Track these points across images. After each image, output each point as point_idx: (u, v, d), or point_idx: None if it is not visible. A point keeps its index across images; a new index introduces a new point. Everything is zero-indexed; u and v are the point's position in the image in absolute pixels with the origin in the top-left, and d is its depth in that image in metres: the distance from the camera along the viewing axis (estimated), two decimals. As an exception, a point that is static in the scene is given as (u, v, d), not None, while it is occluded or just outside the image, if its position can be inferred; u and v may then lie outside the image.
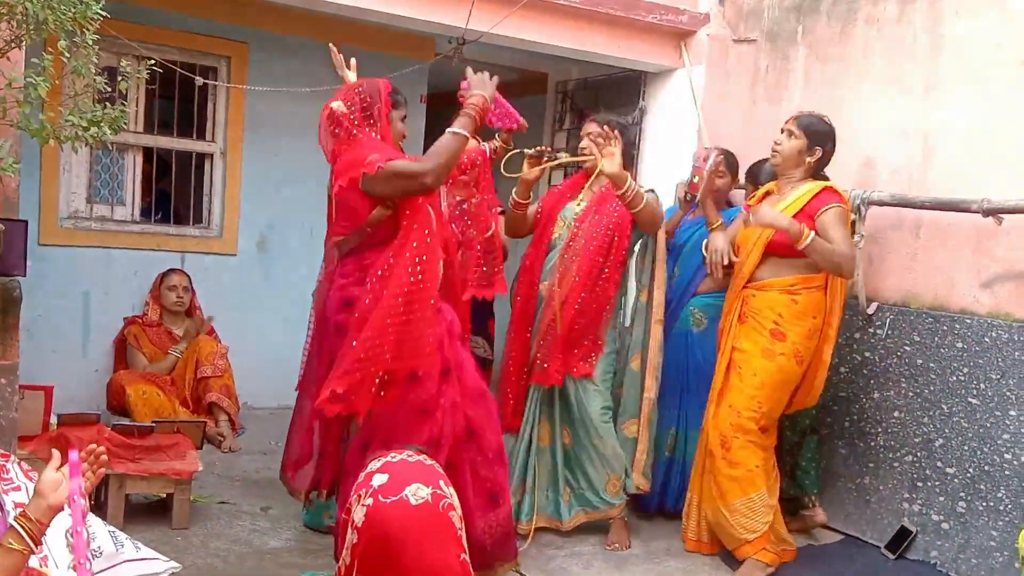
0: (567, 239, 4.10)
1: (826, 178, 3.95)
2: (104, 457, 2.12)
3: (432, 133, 6.59)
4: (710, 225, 4.21)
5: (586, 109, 4.38)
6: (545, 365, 4.05)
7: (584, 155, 4.10)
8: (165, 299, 5.52)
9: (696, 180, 4.23)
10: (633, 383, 4.17)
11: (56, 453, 2.07)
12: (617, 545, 4.08)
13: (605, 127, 3.98)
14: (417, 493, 1.47)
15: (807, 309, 3.85)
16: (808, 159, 3.88)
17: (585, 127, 4.20)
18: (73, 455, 2.05)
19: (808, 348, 3.88)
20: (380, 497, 1.47)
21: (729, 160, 4.48)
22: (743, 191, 4.70)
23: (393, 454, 1.53)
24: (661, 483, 4.40)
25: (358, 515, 1.48)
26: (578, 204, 4.16)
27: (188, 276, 5.62)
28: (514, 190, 4.16)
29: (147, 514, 3.96)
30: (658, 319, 4.17)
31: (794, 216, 3.78)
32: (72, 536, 2.03)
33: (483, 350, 4.49)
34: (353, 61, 3.88)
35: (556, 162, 4.20)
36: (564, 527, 4.15)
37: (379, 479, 1.49)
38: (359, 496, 1.49)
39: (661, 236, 4.19)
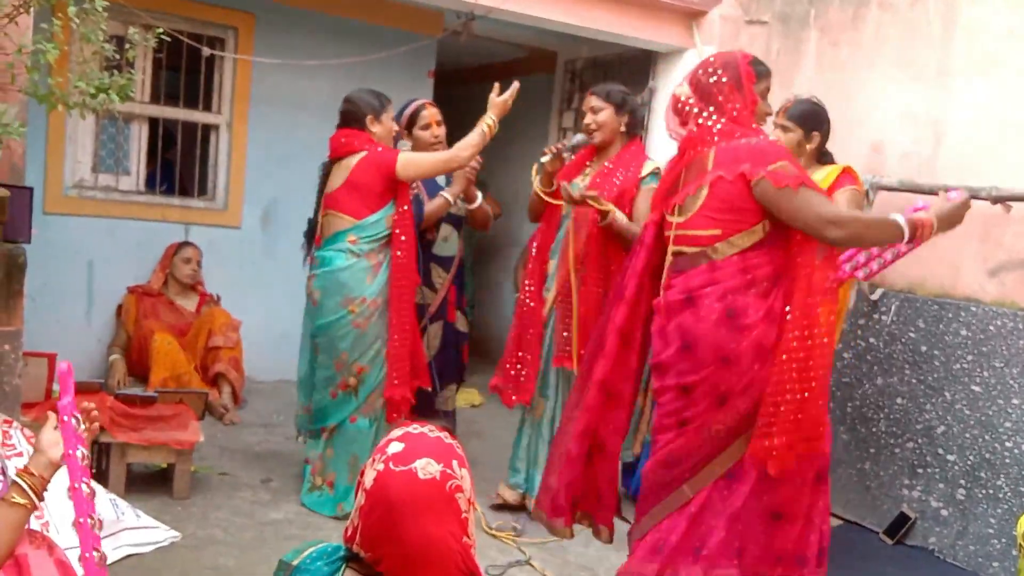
0: (572, 215, 4.05)
1: (832, 160, 3.89)
2: (95, 413, 2.10)
3: (440, 109, 6.56)
4: None
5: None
6: (568, 349, 3.98)
7: (587, 131, 4.06)
8: (177, 270, 5.54)
9: None
10: None
11: (52, 414, 2.06)
12: None
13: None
14: (426, 468, 1.49)
15: None
16: (808, 146, 3.80)
17: (586, 101, 4.15)
18: (65, 405, 2.02)
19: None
20: (391, 464, 1.49)
21: None
22: None
23: (415, 426, 1.55)
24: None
25: (368, 478, 1.52)
26: (583, 179, 4.11)
27: (201, 252, 5.63)
28: (537, 179, 4.04)
29: (148, 483, 3.97)
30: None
31: None
32: (71, 493, 2.01)
33: (420, 298, 4.43)
34: (516, 85, 3.92)
35: (572, 145, 4.15)
36: None
37: (394, 447, 1.52)
38: (373, 460, 1.52)
39: None
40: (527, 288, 4.16)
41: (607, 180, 4.01)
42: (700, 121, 2.88)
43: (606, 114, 4.04)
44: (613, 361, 3.10)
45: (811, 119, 3.81)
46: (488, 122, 3.88)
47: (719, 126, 2.85)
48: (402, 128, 4.31)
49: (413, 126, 4.32)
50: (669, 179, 3.01)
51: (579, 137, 4.12)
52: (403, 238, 3.93)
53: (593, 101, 4.07)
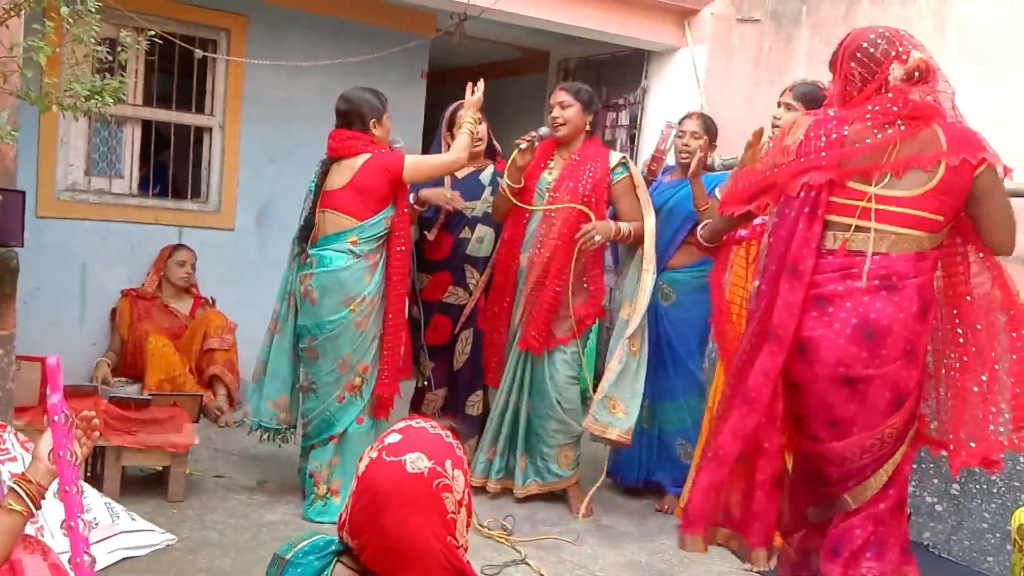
0: (542, 214, 4.14)
1: None
2: (96, 421, 2.09)
3: (432, 110, 6.57)
4: (697, 207, 4.11)
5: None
6: (533, 333, 4.10)
7: (554, 125, 4.16)
8: (172, 273, 5.53)
9: (653, 165, 4.44)
10: (620, 330, 4.12)
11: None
12: (584, 511, 4.16)
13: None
14: (416, 462, 1.48)
15: None
16: None
17: (555, 96, 4.23)
18: (55, 404, 1.99)
19: None
20: (384, 454, 1.50)
21: (707, 123, 4.35)
22: (728, 161, 4.70)
23: (419, 420, 1.55)
24: (636, 456, 4.43)
25: (363, 464, 1.52)
26: (550, 173, 4.21)
27: (195, 255, 5.62)
28: (506, 175, 4.17)
29: (143, 486, 3.96)
30: (647, 269, 4.08)
31: None
32: (61, 494, 1.99)
33: (454, 298, 4.48)
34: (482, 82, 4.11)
35: (539, 136, 4.21)
36: (517, 493, 4.23)
37: (392, 437, 1.52)
38: (372, 447, 1.52)
39: (641, 184, 4.21)
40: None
41: (575, 173, 4.13)
42: (924, 93, 2.62)
43: (574, 111, 4.15)
44: (788, 348, 2.72)
45: (814, 101, 3.79)
46: (470, 121, 4.00)
47: (940, 103, 2.64)
48: (445, 133, 4.43)
49: (453, 127, 4.38)
50: (868, 147, 2.63)
51: (544, 130, 4.19)
52: (401, 239, 3.96)
53: (562, 96, 4.18)
